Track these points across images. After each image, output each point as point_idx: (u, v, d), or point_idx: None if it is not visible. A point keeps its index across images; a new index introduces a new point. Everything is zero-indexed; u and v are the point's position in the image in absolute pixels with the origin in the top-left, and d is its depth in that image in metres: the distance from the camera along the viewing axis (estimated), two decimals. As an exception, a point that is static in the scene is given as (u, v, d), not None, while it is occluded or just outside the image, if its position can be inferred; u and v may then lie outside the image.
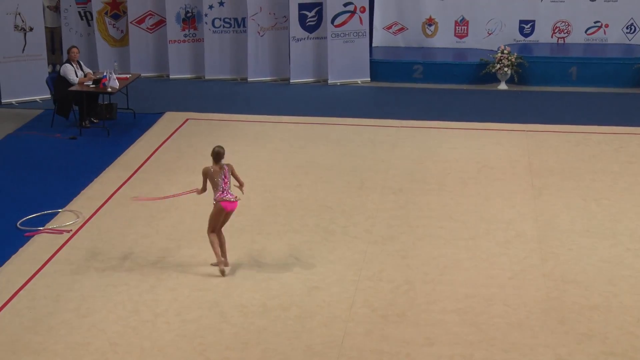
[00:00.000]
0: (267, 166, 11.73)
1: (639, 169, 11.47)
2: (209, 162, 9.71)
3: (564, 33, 17.50)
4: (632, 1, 17.14)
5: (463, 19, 17.69)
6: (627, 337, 7.37)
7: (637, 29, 17.28)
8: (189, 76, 16.83)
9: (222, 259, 8.66)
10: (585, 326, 7.53)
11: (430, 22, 17.78)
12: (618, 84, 16.18)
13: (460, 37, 17.80)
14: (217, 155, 8.76)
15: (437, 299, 8.02)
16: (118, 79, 13.30)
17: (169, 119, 13.86)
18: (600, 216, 9.89)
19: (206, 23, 16.50)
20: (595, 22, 17.40)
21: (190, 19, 16.65)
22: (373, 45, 17.72)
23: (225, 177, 8.75)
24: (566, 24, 17.45)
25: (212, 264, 8.76)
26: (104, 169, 11.50)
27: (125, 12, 16.59)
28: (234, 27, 16.69)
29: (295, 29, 16.35)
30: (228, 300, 8.03)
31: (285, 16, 16.47)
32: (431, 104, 15.20)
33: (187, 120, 13.85)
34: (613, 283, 8.24)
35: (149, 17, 16.64)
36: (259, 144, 12.69)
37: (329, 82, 16.51)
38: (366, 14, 16.49)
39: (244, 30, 16.56)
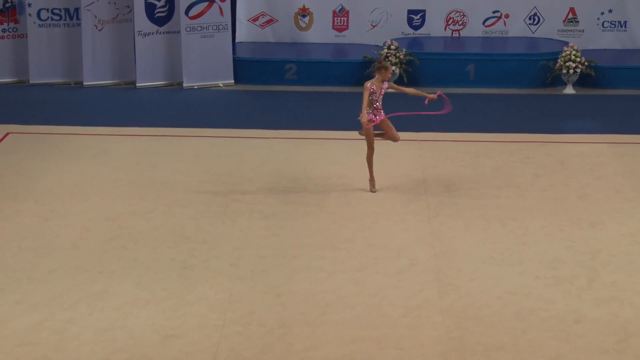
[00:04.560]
0: (111, 189, 11.55)
1: (548, 183, 11.89)
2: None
3: (459, 25, 18.02)
4: (535, -12, 17.82)
5: (342, 9, 17.96)
6: (539, 380, 7.59)
7: (541, 20, 17.97)
8: (8, 80, 16.48)
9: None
10: (491, 369, 7.72)
11: (303, 12, 17.96)
12: (522, 83, 16.76)
13: (340, 30, 18.06)
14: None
15: (319, 344, 8.06)
16: None
17: (-14, 133, 13.50)
18: (505, 239, 10.18)
19: (30, 15, 16.16)
20: (494, 12, 18.00)
21: (10, 10, 16.27)
22: (237, 40, 17.78)
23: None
24: (461, 14, 17.97)
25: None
26: None
27: None
28: (65, 20, 16.41)
29: (142, 22, 16.20)
30: (61, 356, 7.83)
31: (128, 6, 16.32)
32: (307, 110, 15.33)
33: (7, 134, 13.51)
34: (521, 318, 8.48)
35: (-43, 7, 16.18)
36: (100, 162, 12.49)
37: (185, 85, 16.43)
38: (227, 4, 16.53)
39: (78, 23, 16.31)
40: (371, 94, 11.20)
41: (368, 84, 11.22)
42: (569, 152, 13.12)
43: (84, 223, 10.50)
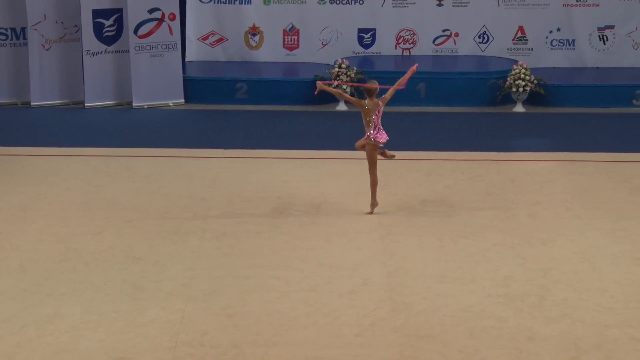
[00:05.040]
0: (60, 210, 11.47)
1: (499, 201, 12.02)
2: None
3: (409, 43, 18.20)
4: (484, 6, 18.05)
5: (293, 28, 18.05)
6: (492, 398, 7.66)
7: (491, 39, 18.20)
8: (-46, 100, 16.34)
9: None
10: (445, 387, 7.78)
11: (254, 31, 18.02)
12: (472, 102, 16.93)
13: (291, 49, 18.15)
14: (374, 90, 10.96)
15: (272, 365, 8.07)
16: None
17: None
18: (458, 257, 10.26)
19: (-24, 34, 16.04)
20: (443, 31, 18.21)
21: (-45, 30, 16.15)
22: (187, 59, 17.79)
23: (378, 112, 11.00)
24: (411, 32, 18.15)
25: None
26: None
27: None
28: (12, 39, 16.31)
29: (90, 41, 16.15)
30: (12, 381, 7.75)
31: (76, 25, 16.26)
32: (258, 129, 15.35)
33: (-46, 155, 13.40)
34: (474, 336, 8.55)
35: None
36: (48, 183, 12.40)
37: (134, 105, 16.38)
38: (177, 22, 16.53)
39: (25, 42, 16.21)
40: (367, 111, 11.03)
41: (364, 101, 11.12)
42: (519, 170, 13.28)
43: (32, 245, 10.40)
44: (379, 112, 11.11)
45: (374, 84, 11.13)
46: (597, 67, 18.16)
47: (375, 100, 11.11)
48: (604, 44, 18.17)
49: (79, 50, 16.30)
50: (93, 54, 16.23)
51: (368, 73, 16.72)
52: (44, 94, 16.26)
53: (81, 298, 9.20)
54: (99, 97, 16.37)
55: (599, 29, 18.10)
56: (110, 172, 12.90)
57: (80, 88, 16.39)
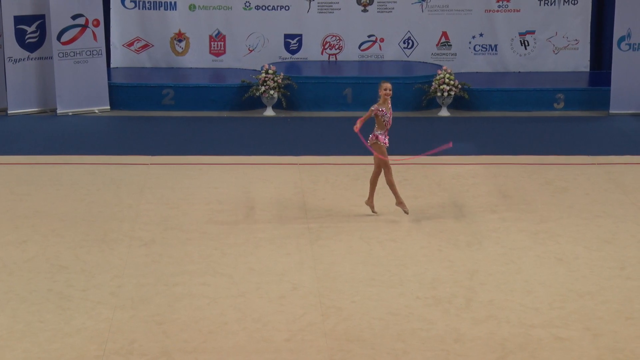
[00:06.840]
0: (-18, 219, 11.30)
1: (425, 204, 12.13)
2: None
3: (336, 49, 18.28)
4: (408, 12, 18.22)
5: (219, 34, 18.01)
6: (421, 399, 7.72)
7: (415, 44, 18.37)
8: None
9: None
10: (375, 390, 7.82)
11: (180, 37, 17.94)
12: (398, 106, 16.91)
13: (217, 54, 18.10)
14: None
15: (202, 372, 8.03)
16: None
17: None
18: (386, 261, 10.33)
19: None
20: (369, 36, 18.33)
21: None
22: (112, 66, 17.64)
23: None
24: (337, 38, 18.24)
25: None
26: None
27: None
28: None
29: (12, 48, 15.93)
30: None
31: (-2, 31, 16.03)
32: (186, 135, 15.27)
33: None
34: (402, 339, 8.61)
35: None
36: (-29, 192, 12.20)
37: (59, 112, 16.19)
38: (101, 29, 16.38)
39: (-55, 49, 15.94)
40: (382, 115, 11.32)
41: (373, 106, 11.35)
42: (445, 174, 13.42)
43: (-45, 255, 10.24)
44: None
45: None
46: (519, 72, 18.46)
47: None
48: (525, 48, 18.46)
49: (1, 57, 16.06)
50: (15, 61, 16.00)
51: (295, 78, 16.77)
52: (-35, 102, 16.03)
53: (6, 308, 9.05)
54: (22, 104, 16.15)
55: (520, 34, 18.39)
56: (35, 180, 12.73)
57: (3, 95, 16.15)
